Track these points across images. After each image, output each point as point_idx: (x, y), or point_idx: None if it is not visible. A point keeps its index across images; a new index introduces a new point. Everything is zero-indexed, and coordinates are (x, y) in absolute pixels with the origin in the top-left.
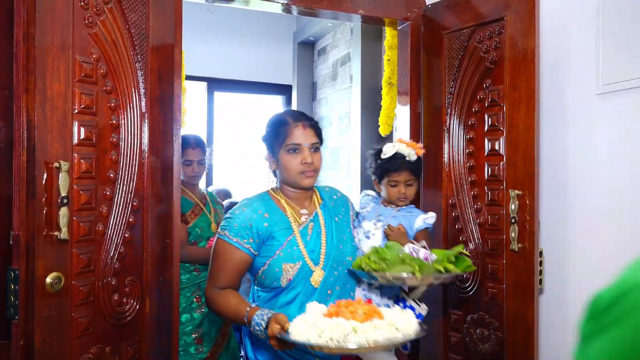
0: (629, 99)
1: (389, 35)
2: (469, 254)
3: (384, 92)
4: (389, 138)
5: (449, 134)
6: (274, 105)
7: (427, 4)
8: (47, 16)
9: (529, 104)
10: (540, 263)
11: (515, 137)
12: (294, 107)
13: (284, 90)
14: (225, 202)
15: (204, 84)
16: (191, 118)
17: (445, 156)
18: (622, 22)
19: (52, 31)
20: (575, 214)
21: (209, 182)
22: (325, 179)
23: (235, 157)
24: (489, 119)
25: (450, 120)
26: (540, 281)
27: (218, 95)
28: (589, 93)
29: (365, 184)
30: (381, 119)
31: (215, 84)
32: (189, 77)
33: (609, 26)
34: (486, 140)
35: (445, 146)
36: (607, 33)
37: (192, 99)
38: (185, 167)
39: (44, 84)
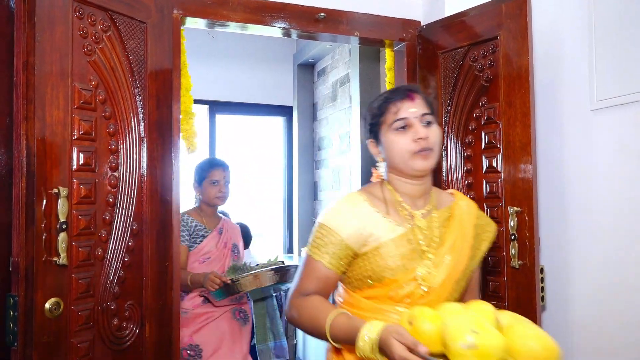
0: (624, 114)
1: (389, 58)
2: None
3: None
4: None
5: (447, 152)
6: (276, 126)
7: (422, 24)
8: (46, 45)
9: (524, 120)
10: (542, 280)
11: (512, 153)
12: (295, 128)
13: (285, 111)
14: None
15: (206, 106)
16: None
17: (444, 174)
18: (614, 38)
19: (52, 60)
20: (575, 229)
21: None
22: (326, 198)
23: (236, 178)
24: (486, 137)
25: (447, 138)
26: (543, 298)
27: (220, 117)
28: (584, 109)
29: None
30: None
31: (216, 106)
32: None
33: (602, 43)
34: (483, 157)
35: (444, 164)
36: (599, 49)
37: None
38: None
39: (43, 111)
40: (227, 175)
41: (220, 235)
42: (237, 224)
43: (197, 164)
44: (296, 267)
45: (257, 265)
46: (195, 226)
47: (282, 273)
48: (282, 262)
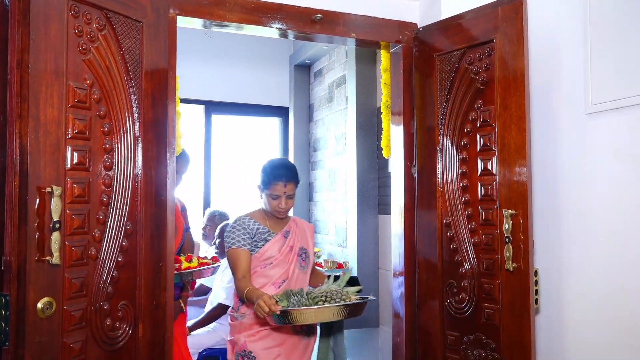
0: (618, 118)
1: (385, 59)
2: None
3: (383, 115)
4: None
5: (442, 154)
6: (272, 127)
7: (419, 27)
8: (41, 43)
9: (520, 124)
10: (536, 282)
11: (507, 156)
12: (291, 129)
13: (281, 112)
14: (222, 224)
15: (202, 106)
16: (189, 140)
17: (439, 176)
18: (610, 42)
19: (46, 58)
20: (569, 232)
21: (206, 205)
22: (322, 199)
23: (232, 179)
24: (481, 139)
25: (443, 140)
26: (537, 301)
27: (215, 117)
28: (578, 112)
29: (362, 204)
30: (383, 142)
31: (212, 106)
32: (186, 101)
33: (597, 47)
34: (479, 160)
35: (439, 166)
36: (595, 54)
37: (189, 122)
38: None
39: (37, 109)
40: (290, 189)
41: (286, 239)
42: (219, 212)
43: (264, 164)
44: (371, 299)
45: (328, 280)
46: (257, 229)
47: (352, 309)
48: (354, 277)
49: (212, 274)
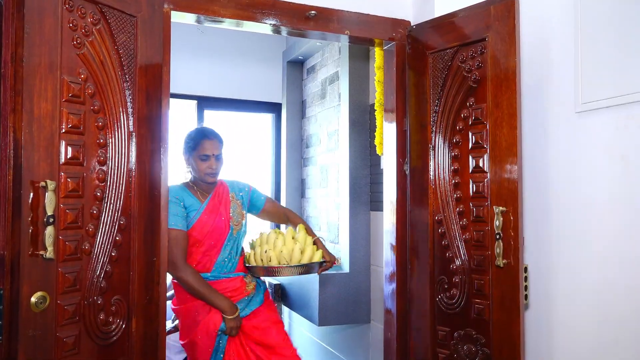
0: (607, 117)
1: (379, 57)
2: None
3: (377, 112)
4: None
5: (435, 151)
6: (264, 122)
7: (412, 24)
8: (35, 37)
9: (511, 122)
10: (526, 279)
11: (498, 154)
12: (284, 125)
13: (274, 108)
14: None
15: (194, 102)
16: (180, 136)
17: (431, 173)
18: (600, 41)
19: (40, 52)
20: (558, 229)
21: None
22: (314, 195)
23: (225, 174)
24: (473, 137)
25: (435, 137)
26: (526, 296)
27: (208, 113)
28: (569, 111)
29: (354, 201)
30: (377, 140)
31: (205, 102)
32: (179, 96)
33: (588, 46)
34: (470, 157)
35: (431, 163)
36: (585, 53)
37: (182, 117)
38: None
39: (31, 103)
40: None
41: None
42: None
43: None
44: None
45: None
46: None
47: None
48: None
49: None
